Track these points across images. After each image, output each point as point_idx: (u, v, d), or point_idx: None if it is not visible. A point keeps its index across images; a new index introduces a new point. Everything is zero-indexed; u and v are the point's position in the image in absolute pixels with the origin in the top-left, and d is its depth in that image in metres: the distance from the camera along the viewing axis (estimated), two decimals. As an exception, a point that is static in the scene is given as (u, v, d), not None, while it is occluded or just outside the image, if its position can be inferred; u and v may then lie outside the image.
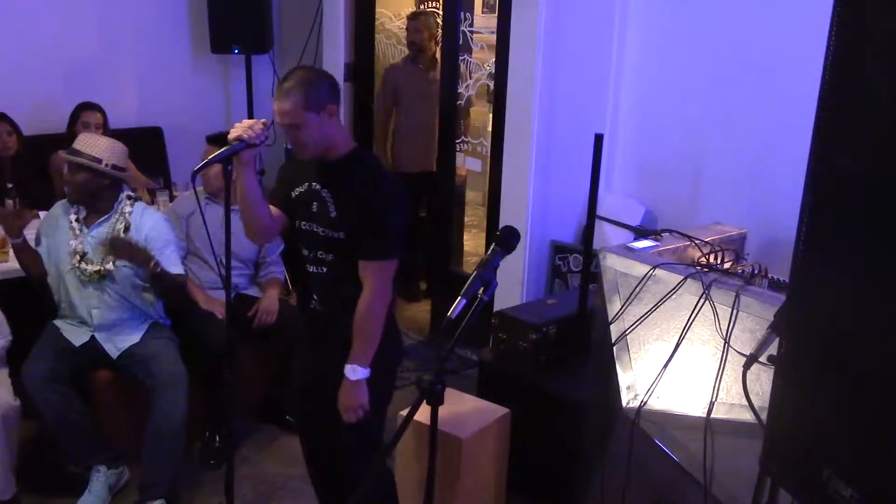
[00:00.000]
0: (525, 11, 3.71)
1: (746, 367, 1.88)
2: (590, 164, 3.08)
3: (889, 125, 1.28)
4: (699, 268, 2.35)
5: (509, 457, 2.95)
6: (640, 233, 3.25)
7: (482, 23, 4.86)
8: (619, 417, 2.34)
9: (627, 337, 2.38)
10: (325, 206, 2.31)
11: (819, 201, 1.46)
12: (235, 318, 3.15)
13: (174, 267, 3.12)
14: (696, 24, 3.63)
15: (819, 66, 1.42)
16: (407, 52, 5.23)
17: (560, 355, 3.15)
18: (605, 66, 3.94)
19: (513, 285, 3.90)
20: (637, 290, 2.38)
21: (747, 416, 1.92)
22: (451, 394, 2.81)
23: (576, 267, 3.91)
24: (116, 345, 3.11)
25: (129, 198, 3.13)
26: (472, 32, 4.54)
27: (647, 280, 2.37)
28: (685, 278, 2.28)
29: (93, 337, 3.09)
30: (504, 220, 3.93)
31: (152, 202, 4.15)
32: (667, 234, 2.75)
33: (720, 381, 2.12)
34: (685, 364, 2.25)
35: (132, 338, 3.12)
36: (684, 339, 2.23)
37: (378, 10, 5.08)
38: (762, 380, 1.95)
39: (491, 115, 4.36)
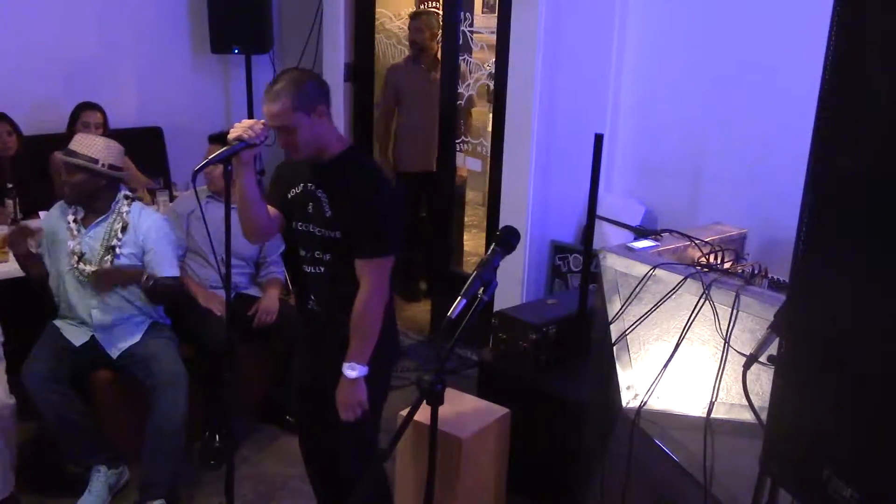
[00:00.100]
0: (525, 11, 3.71)
1: (746, 367, 1.88)
2: (590, 164, 3.08)
3: (889, 125, 1.28)
4: (699, 268, 2.35)
5: (509, 457, 2.95)
6: (640, 233, 3.25)
7: (482, 23, 4.86)
8: (619, 417, 2.34)
9: (627, 337, 2.38)
10: (320, 206, 2.32)
11: (819, 201, 1.46)
12: (235, 318, 3.15)
13: (170, 269, 3.13)
14: (696, 24, 3.63)
15: (819, 66, 1.42)
16: (407, 52, 5.23)
17: (560, 355, 3.15)
18: (605, 66, 3.93)
19: (513, 285, 3.90)
20: (637, 290, 2.38)
21: (747, 416, 1.92)
22: (451, 394, 2.80)
23: (576, 267, 3.91)
24: (116, 345, 3.11)
25: (126, 197, 3.13)
26: (472, 32, 4.54)
27: (647, 280, 2.37)
28: (685, 278, 2.28)
29: (93, 337, 3.09)
30: (504, 220, 3.93)
31: (152, 202, 4.15)
32: (667, 234, 2.75)
33: (720, 381, 2.12)
34: (685, 364, 2.25)
35: (132, 338, 3.12)
36: (684, 339, 2.23)
37: (378, 10, 5.07)
38: (762, 380, 1.95)
39: (491, 115, 4.36)
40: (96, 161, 2.98)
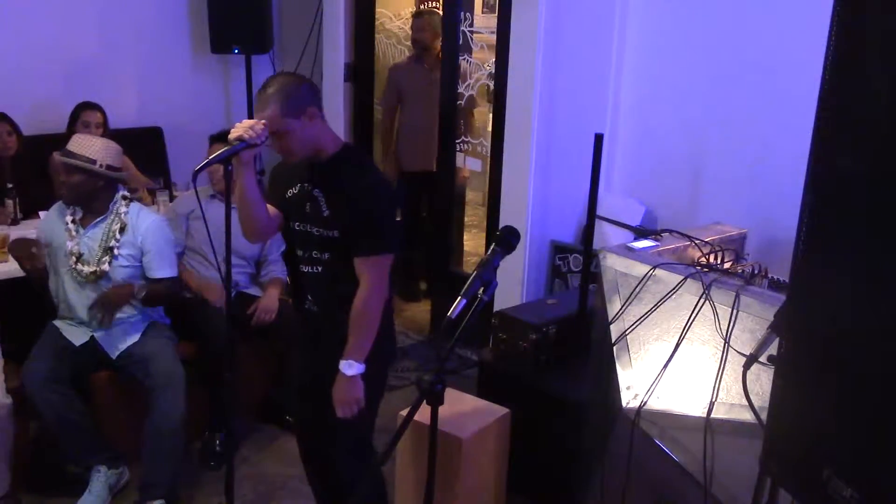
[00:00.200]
0: (525, 11, 3.71)
1: (746, 367, 1.88)
2: (590, 164, 3.08)
3: (889, 125, 1.28)
4: (699, 268, 2.35)
5: (509, 457, 2.95)
6: (640, 233, 3.25)
7: (482, 23, 4.86)
8: (619, 417, 2.34)
9: (627, 337, 2.38)
10: (317, 205, 2.32)
11: (819, 201, 1.46)
12: (235, 317, 3.16)
13: (169, 269, 3.15)
14: (696, 24, 3.63)
15: (819, 66, 1.42)
16: (407, 52, 5.23)
17: (560, 355, 3.15)
18: (605, 66, 3.93)
19: (513, 285, 3.90)
20: (637, 290, 2.38)
21: (747, 416, 1.91)
22: (451, 394, 2.80)
23: (576, 267, 3.91)
24: (116, 345, 3.11)
25: (124, 198, 3.13)
26: (472, 32, 4.54)
27: (647, 280, 2.37)
28: (685, 278, 2.28)
29: (92, 337, 3.09)
30: (504, 220, 3.93)
31: (152, 202, 4.15)
32: (667, 234, 2.75)
33: (720, 381, 2.12)
34: (685, 364, 2.25)
35: (131, 338, 3.12)
36: (684, 339, 2.23)
37: (378, 10, 5.08)
38: (762, 380, 1.95)
39: (491, 115, 4.36)
40: (94, 162, 2.98)
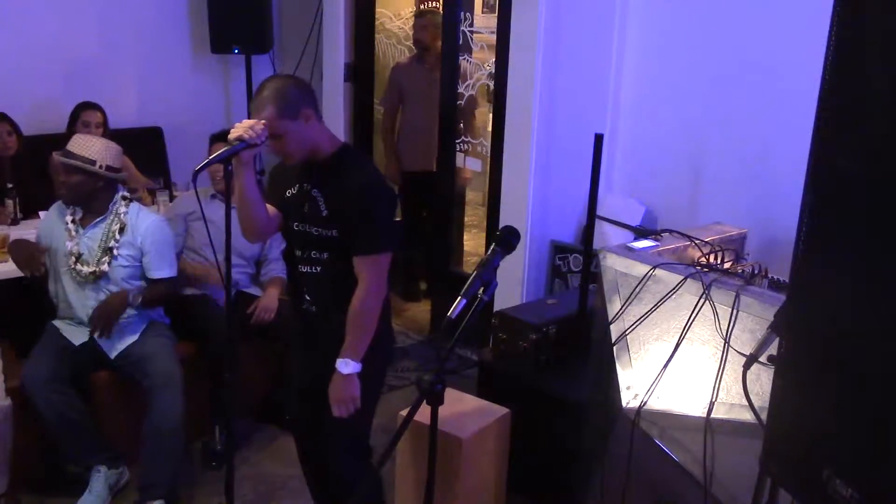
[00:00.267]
0: (525, 11, 3.71)
1: (746, 367, 1.88)
2: (590, 164, 3.08)
3: (889, 125, 1.28)
4: (699, 268, 2.35)
5: (509, 457, 2.95)
6: (640, 233, 3.25)
7: (482, 23, 4.86)
8: (619, 417, 2.34)
9: (627, 337, 2.38)
10: (316, 205, 2.33)
11: (819, 201, 1.46)
12: (235, 317, 3.16)
13: (169, 270, 3.16)
14: (696, 24, 3.63)
15: (819, 66, 1.42)
16: (407, 52, 5.23)
17: (560, 355, 3.15)
18: (605, 66, 3.93)
19: (513, 285, 3.90)
20: (637, 290, 2.38)
21: (747, 416, 1.92)
22: (451, 394, 2.81)
23: (576, 267, 3.91)
24: (114, 345, 3.11)
25: (124, 198, 3.13)
26: (472, 32, 4.54)
27: (647, 280, 2.37)
28: (685, 278, 2.28)
29: (92, 337, 3.09)
30: (504, 220, 3.93)
31: (152, 202, 4.15)
32: (667, 234, 2.75)
33: (720, 381, 2.12)
34: (685, 364, 2.25)
35: (130, 337, 3.12)
36: (684, 339, 2.23)
37: (378, 10, 5.07)
38: (762, 380, 1.95)
39: (491, 115, 4.36)
40: (93, 162, 2.98)
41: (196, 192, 2.92)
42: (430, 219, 5.01)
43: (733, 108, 3.52)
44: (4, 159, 3.98)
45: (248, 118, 2.23)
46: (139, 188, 4.14)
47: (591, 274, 2.94)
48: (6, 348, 3.22)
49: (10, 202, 3.86)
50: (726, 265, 2.44)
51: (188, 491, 3.17)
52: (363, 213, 2.27)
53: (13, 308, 3.35)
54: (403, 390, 4.01)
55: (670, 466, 2.20)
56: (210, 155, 2.22)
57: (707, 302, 2.20)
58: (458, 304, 1.80)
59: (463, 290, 1.82)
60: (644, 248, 2.59)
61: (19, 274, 3.27)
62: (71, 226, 3.07)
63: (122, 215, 3.09)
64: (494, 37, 4.15)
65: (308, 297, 2.44)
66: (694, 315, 2.21)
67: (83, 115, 4.12)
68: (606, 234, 3.67)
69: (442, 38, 4.62)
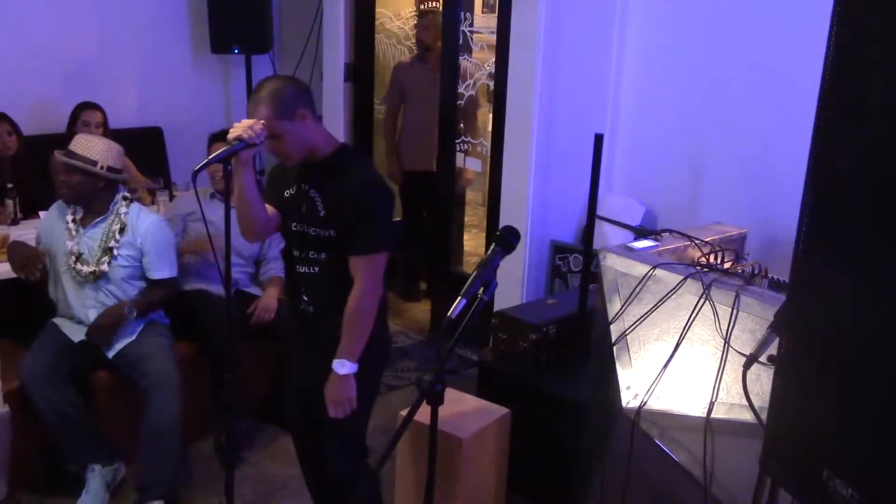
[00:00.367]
0: (525, 11, 3.71)
1: (746, 367, 1.88)
2: (590, 164, 3.08)
3: (889, 125, 1.28)
4: (699, 268, 2.35)
5: (509, 457, 2.95)
6: (640, 233, 3.25)
7: (482, 23, 4.86)
8: (619, 417, 2.34)
9: (627, 337, 2.38)
10: (313, 206, 2.33)
11: (819, 201, 1.46)
12: (235, 316, 3.15)
13: (169, 270, 3.16)
14: (697, 24, 3.63)
15: (819, 66, 1.42)
16: (407, 52, 5.23)
17: (560, 355, 3.15)
18: (605, 66, 3.94)
19: (513, 285, 3.90)
20: (637, 290, 2.38)
21: (747, 416, 1.92)
22: (451, 394, 2.81)
23: (576, 267, 3.91)
24: (112, 344, 3.10)
25: (124, 199, 3.13)
26: (472, 32, 4.54)
27: (647, 280, 2.37)
28: (685, 278, 2.28)
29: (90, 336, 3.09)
30: (504, 220, 3.93)
31: (152, 202, 4.15)
32: (667, 234, 2.75)
33: (720, 381, 2.12)
34: (685, 364, 2.25)
35: (128, 337, 3.12)
36: (684, 339, 2.23)
37: (378, 10, 5.08)
38: (762, 380, 1.95)
39: (491, 115, 4.36)
40: (95, 163, 2.98)
41: (196, 192, 2.92)
42: (430, 219, 5.01)
43: (733, 108, 3.52)
44: (4, 159, 3.98)
45: (247, 118, 2.23)
46: (139, 189, 4.14)
47: (591, 274, 2.94)
48: (6, 348, 3.22)
49: (10, 202, 3.86)
50: (726, 265, 2.44)
51: (188, 491, 3.17)
52: (360, 214, 2.27)
53: (13, 308, 3.35)
54: (403, 390, 4.01)
55: (670, 466, 2.20)
56: (209, 155, 2.22)
57: (707, 302, 2.20)
58: (458, 304, 1.80)
59: (463, 290, 1.82)
60: (644, 248, 2.59)
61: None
62: (71, 225, 3.07)
63: (122, 215, 3.09)
64: (494, 37, 4.15)
65: (306, 298, 2.44)
66: (694, 315, 2.21)
67: (83, 114, 4.12)
68: (606, 234, 3.68)
69: (442, 38, 4.62)
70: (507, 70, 3.84)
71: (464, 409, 2.85)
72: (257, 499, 3.17)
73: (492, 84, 4.36)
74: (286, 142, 2.25)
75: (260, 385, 3.65)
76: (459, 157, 4.72)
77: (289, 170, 2.40)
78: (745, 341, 2.08)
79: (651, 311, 2.34)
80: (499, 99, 4.03)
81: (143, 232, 3.09)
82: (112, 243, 3.05)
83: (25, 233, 3.55)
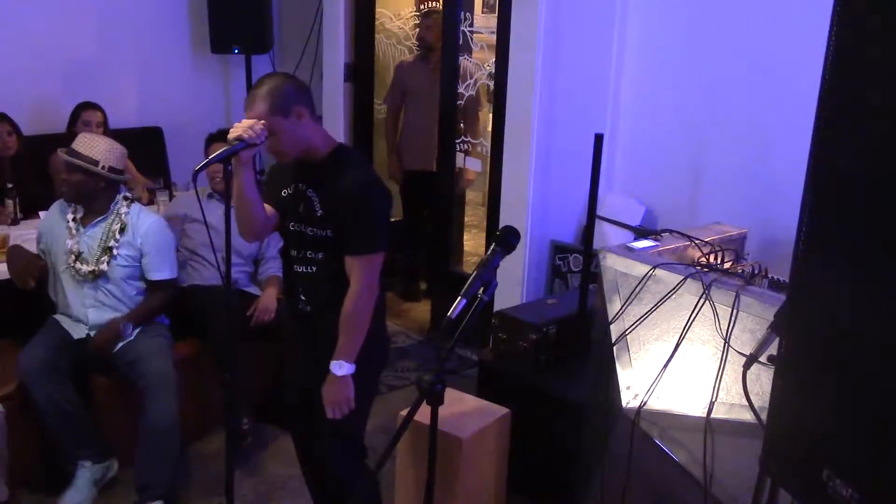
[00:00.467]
0: (525, 11, 3.71)
1: (746, 367, 1.88)
2: (590, 164, 3.08)
3: (889, 125, 1.28)
4: (699, 268, 2.35)
5: (509, 457, 2.95)
6: (640, 233, 3.25)
7: (482, 23, 4.86)
8: (619, 417, 2.34)
9: (627, 337, 2.38)
10: (311, 205, 2.33)
11: (819, 201, 1.46)
12: (235, 316, 3.15)
13: (169, 271, 3.17)
14: (697, 24, 3.63)
15: (819, 66, 1.42)
16: (407, 51, 5.23)
17: (560, 355, 3.15)
18: (605, 66, 3.94)
19: (513, 285, 3.90)
20: (637, 290, 2.38)
21: (747, 416, 1.92)
22: (451, 394, 2.81)
23: (576, 267, 3.91)
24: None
25: (125, 199, 3.13)
26: (472, 32, 4.54)
27: (647, 280, 2.37)
28: (685, 278, 2.28)
29: (89, 334, 3.09)
30: (504, 220, 3.93)
31: (152, 202, 4.15)
32: (667, 234, 2.75)
33: (720, 381, 2.12)
34: (685, 364, 2.25)
35: (127, 338, 3.12)
36: (684, 339, 2.23)
37: (378, 10, 5.08)
38: (762, 380, 1.95)
39: (491, 115, 4.36)
40: (96, 163, 2.98)
41: (196, 192, 2.93)
42: (431, 219, 5.01)
43: (733, 108, 3.52)
44: (4, 159, 3.99)
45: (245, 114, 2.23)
46: (139, 189, 4.14)
47: (591, 274, 2.94)
48: (6, 348, 3.22)
49: (10, 202, 3.86)
50: (726, 265, 2.44)
51: (187, 491, 3.17)
52: (358, 213, 2.27)
53: (13, 308, 3.35)
54: (403, 390, 4.01)
55: (670, 466, 2.20)
56: (207, 155, 2.22)
57: (707, 302, 2.20)
58: (458, 304, 1.80)
59: (463, 290, 1.82)
60: (644, 248, 2.59)
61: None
62: (72, 224, 3.07)
63: (123, 215, 3.09)
64: (494, 37, 4.15)
65: (304, 297, 2.44)
66: (694, 315, 2.21)
67: (83, 114, 4.12)
68: (606, 234, 3.67)
69: (442, 37, 4.62)
70: (507, 70, 3.84)
71: (464, 409, 2.85)
72: (257, 499, 3.17)
73: (492, 84, 4.36)
74: (281, 139, 2.25)
75: (260, 385, 3.65)
76: (460, 157, 4.71)
77: (287, 169, 2.40)
78: (745, 341, 2.08)
79: (651, 311, 2.34)
80: (499, 99, 4.03)
81: (143, 232, 3.10)
82: (112, 243, 3.05)
83: (25, 233, 3.56)
